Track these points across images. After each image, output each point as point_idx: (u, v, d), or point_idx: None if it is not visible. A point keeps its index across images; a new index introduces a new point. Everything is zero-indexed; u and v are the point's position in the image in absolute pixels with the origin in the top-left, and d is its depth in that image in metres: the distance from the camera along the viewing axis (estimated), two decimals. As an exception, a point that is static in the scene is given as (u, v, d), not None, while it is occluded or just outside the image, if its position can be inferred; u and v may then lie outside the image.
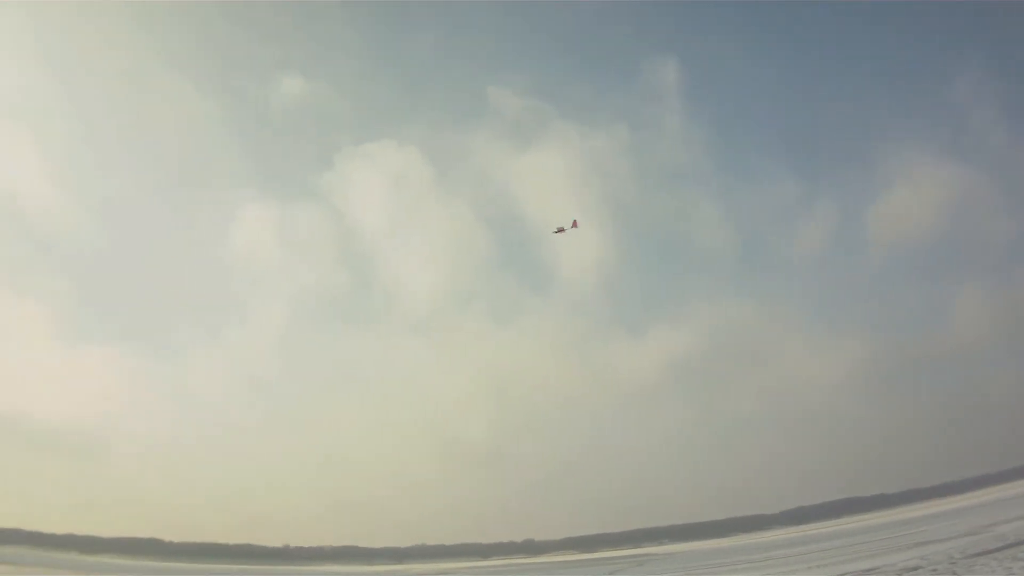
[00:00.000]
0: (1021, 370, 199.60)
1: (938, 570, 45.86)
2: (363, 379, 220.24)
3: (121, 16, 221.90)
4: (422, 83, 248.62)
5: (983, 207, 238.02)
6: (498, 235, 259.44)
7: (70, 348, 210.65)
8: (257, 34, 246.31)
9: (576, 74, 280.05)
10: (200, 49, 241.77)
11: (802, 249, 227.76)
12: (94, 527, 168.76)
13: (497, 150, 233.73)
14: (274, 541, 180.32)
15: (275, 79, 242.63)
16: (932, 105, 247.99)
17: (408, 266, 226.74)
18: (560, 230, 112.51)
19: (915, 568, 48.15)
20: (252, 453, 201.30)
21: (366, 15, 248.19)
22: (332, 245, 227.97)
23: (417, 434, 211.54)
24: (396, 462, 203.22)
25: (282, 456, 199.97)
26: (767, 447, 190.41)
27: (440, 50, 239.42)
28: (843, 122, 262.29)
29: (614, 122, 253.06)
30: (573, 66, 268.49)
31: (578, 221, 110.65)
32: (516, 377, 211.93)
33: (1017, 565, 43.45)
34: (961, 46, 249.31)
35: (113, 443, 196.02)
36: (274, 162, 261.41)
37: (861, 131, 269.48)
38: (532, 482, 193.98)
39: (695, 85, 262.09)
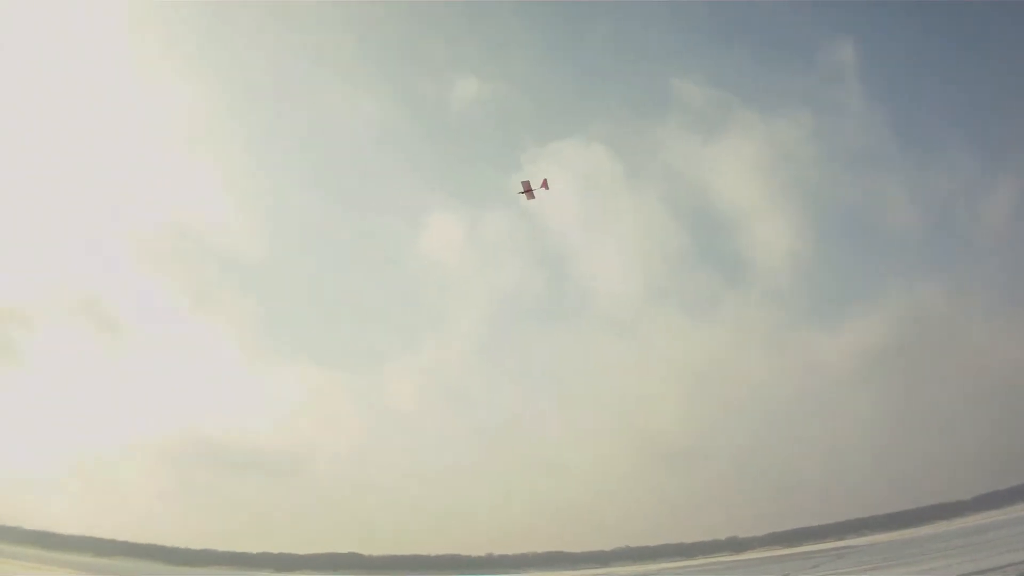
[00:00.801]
0: None
1: None
2: (560, 380, 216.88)
3: (285, 26, 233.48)
4: (602, 78, 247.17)
5: None
6: (689, 228, 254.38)
7: (264, 367, 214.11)
8: (426, 36, 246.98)
9: (755, 61, 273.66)
10: (369, 55, 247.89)
11: (989, 227, 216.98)
12: (292, 545, 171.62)
13: (684, 142, 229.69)
14: (477, 551, 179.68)
15: (450, 81, 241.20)
16: None
17: (601, 263, 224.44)
18: (526, 191, 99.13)
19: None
20: (451, 463, 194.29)
21: (537, 11, 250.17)
22: (524, 247, 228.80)
23: (615, 434, 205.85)
24: (595, 464, 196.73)
25: (482, 463, 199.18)
26: (961, 432, 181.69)
27: (617, 43, 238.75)
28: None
29: (796, 107, 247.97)
30: (751, 52, 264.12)
31: (547, 181, 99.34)
32: (711, 371, 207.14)
33: None
34: None
35: (311, 460, 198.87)
36: (459, 166, 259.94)
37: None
38: (731, 477, 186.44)
39: (872, 64, 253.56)
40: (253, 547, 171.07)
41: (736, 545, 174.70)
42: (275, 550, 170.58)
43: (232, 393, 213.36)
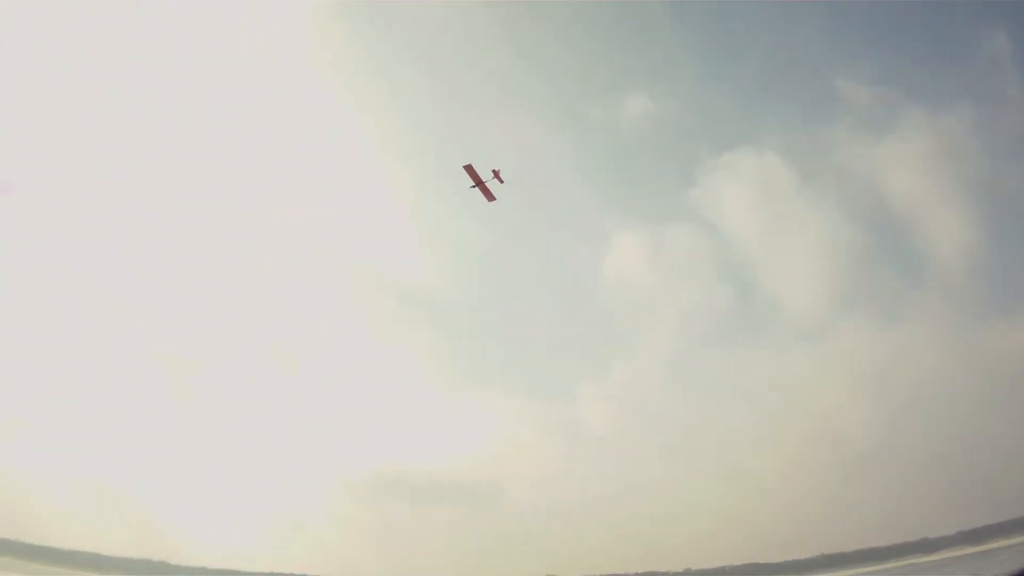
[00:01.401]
0: None
1: None
2: (748, 392, 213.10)
3: (442, 52, 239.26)
4: (766, 85, 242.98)
5: None
6: (866, 230, 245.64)
7: (454, 400, 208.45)
8: (592, 57, 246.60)
9: (912, 55, 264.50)
10: (534, 78, 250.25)
11: None
12: (487, 574, 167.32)
13: (854, 143, 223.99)
14: (674, 566, 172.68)
15: (615, 99, 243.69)
16: None
17: (783, 273, 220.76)
18: (478, 185, 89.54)
19: None
20: (644, 481, 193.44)
21: (694, 24, 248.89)
22: (708, 262, 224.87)
23: (803, 442, 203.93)
24: (785, 472, 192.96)
25: (675, 480, 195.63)
26: None
27: (778, 49, 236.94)
28: None
29: (958, 98, 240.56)
30: (908, 47, 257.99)
31: (499, 172, 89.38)
32: (896, 373, 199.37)
33: None
34: None
35: (504, 490, 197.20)
36: (635, 185, 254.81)
37: None
38: (919, 478, 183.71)
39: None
40: None
41: (927, 546, 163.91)
42: None
43: (423, 427, 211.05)
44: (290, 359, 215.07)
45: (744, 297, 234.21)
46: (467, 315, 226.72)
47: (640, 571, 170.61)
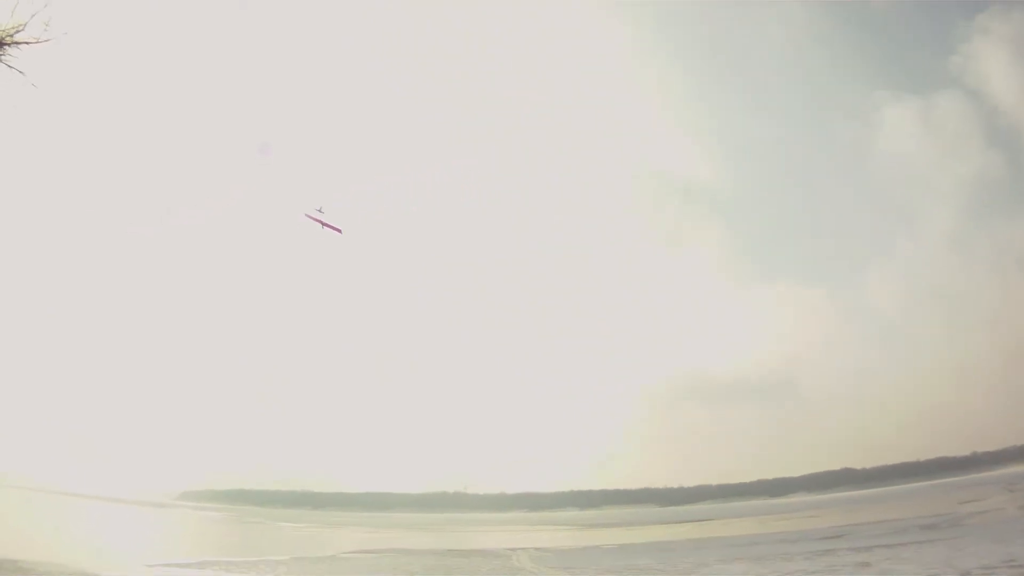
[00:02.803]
0: None
1: None
2: None
3: None
4: None
5: None
6: None
7: (743, 294, 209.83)
8: None
9: None
10: None
11: None
12: (784, 468, 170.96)
13: None
14: (962, 451, 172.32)
15: None
16: None
17: None
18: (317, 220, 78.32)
19: None
20: (935, 364, 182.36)
21: None
22: (976, 130, 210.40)
23: None
24: None
25: (965, 362, 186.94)
26: None
27: None
28: None
29: None
30: None
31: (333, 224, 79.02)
32: None
33: None
34: None
35: (798, 380, 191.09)
36: (899, 55, 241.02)
37: None
38: None
39: None
40: (747, 476, 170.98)
41: None
42: (769, 476, 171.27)
43: (714, 328, 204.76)
44: (579, 268, 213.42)
45: (1015, 166, 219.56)
46: (748, 208, 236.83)
47: (929, 457, 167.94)
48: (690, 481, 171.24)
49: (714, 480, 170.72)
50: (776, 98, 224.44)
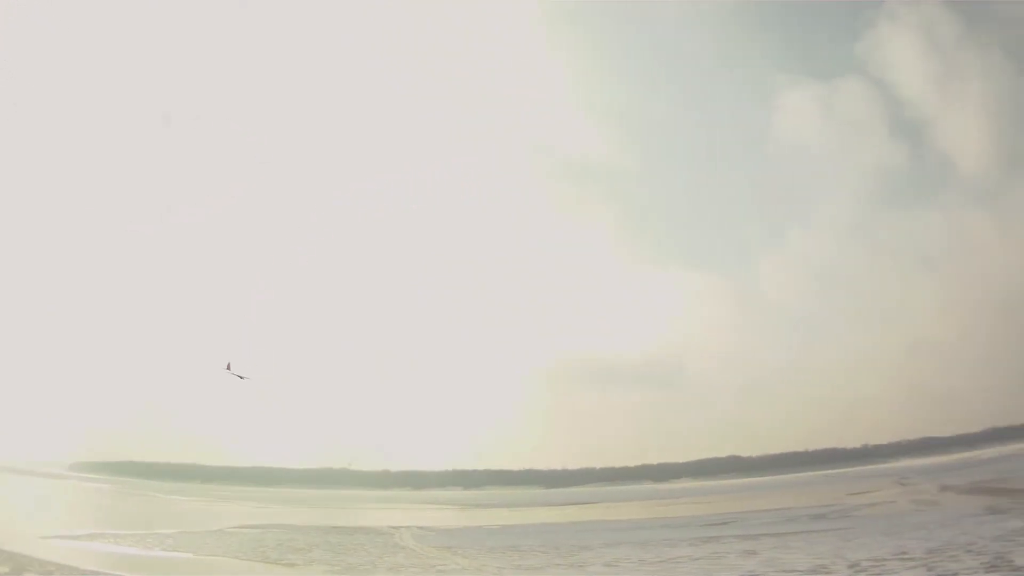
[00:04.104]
0: None
1: None
2: (928, 257, 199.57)
3: None
4: None
5: None
6: None
7: (633, 277, 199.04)
8: None
9: None
10: None
11: None
12: (671, 455, 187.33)
13: None
14: (853, 443, 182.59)
15: None
16: None
17: (956, 128, 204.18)
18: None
19: None
20: (826, 354, 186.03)
21: None
22: (879, 118, 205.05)
23: (982, 311, 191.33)
24: (964, 343, 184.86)
25: (857, 352, 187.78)
26: None
27: None
28: None
29: None
30: None
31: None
32: None
33: None
34: None
35: (688, 367, 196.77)
36: (801, 39, 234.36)
37: None
38: None
39: None
40: (631, 460, 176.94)
41: None
42: (654, 461, 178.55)
43: (605, 310, 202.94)
44: (467, 246, 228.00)
45: (917, 157, 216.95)
46: (641, 191, 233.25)
47: (820, 448, 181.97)
48: (574, 464, 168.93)
49: (598, 463, 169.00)
50: (674, 79, 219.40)
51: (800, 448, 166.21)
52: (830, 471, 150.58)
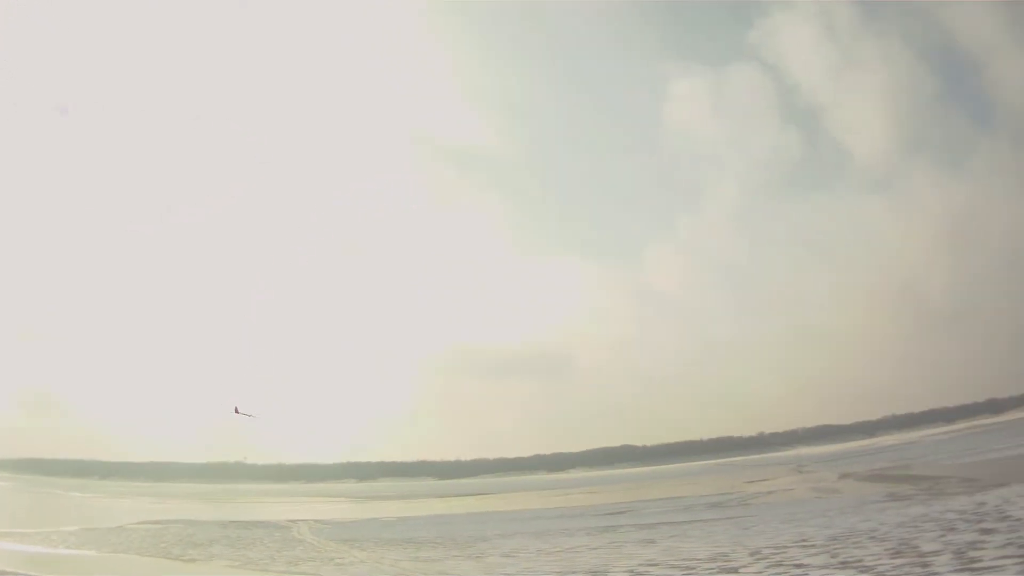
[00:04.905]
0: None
1: None
2: (820, 245, 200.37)
3: None
4: None
5: None
6: (936, 69, 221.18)
7: (518, 267, 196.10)
8: None
9: None
10: None
11: None
12: (564, 444, 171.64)
13: None
14: (748, 431, 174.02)
15: None
16: None
17: (852, 117, 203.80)
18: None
19: None
20: (718, 342, 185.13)
21: None
22: (772, 107, 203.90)
23: (878, 298, 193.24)
24: (858, 329, 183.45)
25: (750, 340, 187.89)
26: None
27: None
28: None
29: None
30: None
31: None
32: (969, 224, 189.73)
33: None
34: None
35: (577, 356, 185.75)
36: (693, 26, 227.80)
37: None
38: (990, 338, 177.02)
39: None
40: (525, 451, 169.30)
41: (995, 407, 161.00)
42: (547, 451, 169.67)
43: (493, 300, 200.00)
44: (351, 238, 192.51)
45: (811, 144, 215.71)
46: (529, 177, 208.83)
47: (714, 436, 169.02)
48: (468, 455, 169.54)
49: (492, 454, 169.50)
50: (562, 66, 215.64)
51: (694, 437, 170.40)
52: (726, 460, 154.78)
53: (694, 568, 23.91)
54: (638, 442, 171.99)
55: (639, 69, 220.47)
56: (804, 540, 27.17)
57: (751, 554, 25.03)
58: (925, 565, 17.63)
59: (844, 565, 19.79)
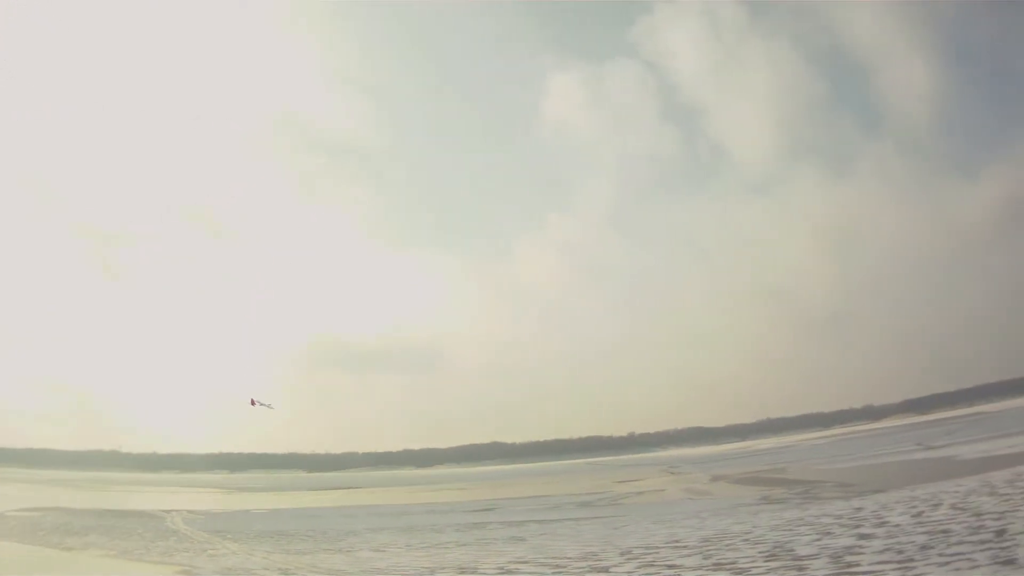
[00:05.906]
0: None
1: None
2: (697, 246, 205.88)
3: None
4: None
5: None
6: (822, 74, 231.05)
7: (388, 259, 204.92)
8: None
9: None
10: None
11: None
12: (433, 440, 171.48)
13: None
14: (619, 431, 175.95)
15: None
16: None
17: (733, 117, 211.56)
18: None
19: None
20: (590, 341, 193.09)
21: None
22: (651, 105, 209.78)
23: (756, 302, 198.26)
24: (734, 332, 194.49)
25: (622, 340, 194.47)
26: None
27: None
28: None
29: None
30: None
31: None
32: (849, 230, 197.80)
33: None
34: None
35: (446, 351, 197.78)
36: (574, 20, 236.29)
37: None
38: (869, 344, 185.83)
39: None
40: (394, 446, 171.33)
41: (872, 413, 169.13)
42: (416, 446, 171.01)
43: (361, 292, 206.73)
44: (215, 223, 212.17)
45: (690, 144, 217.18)
46: (398, 169, 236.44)
47: (585, 435, 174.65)
48: (337, 448, 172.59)
49: (360, 448, 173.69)
50: (434, 56, 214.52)
51: (565, 436, 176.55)
52: (596, 459, 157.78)
53: (565, 567, 23.09)
54: (508, 439, 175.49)
55: (516, 62, 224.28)
56: (676, 541, 26.56)
57: (622, 554, 24.21)
58: (801, 568, 16.91)
59: (718, 567, 19.02)
